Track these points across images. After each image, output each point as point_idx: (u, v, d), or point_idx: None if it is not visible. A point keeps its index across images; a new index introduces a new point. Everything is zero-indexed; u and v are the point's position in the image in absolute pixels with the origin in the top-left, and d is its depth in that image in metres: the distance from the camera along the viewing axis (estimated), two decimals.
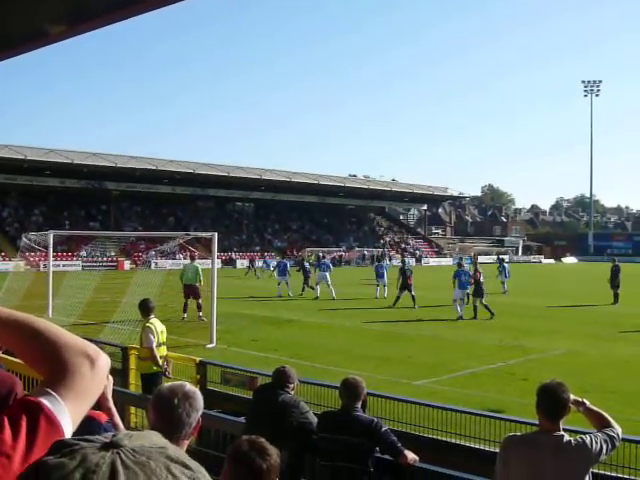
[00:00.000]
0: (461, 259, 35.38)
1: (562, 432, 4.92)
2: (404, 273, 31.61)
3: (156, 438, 1.15)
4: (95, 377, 1.79)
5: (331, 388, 10.32)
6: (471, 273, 28.54)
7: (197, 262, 26.76)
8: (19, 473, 1.52)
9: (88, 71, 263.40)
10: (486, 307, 27.21)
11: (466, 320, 26.27)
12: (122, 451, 1.06)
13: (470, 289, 28.20)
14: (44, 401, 1.63)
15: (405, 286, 31.35)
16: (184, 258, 57.81)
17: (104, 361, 1.84)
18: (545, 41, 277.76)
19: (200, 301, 25.15)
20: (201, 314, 24.65)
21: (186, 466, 1.10)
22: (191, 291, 25.60)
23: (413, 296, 30.91)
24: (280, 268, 38.49)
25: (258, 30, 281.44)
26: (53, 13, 3.38)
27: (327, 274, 36.14)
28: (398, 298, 31.17)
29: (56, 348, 1.78)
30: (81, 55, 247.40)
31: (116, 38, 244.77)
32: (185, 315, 25.13)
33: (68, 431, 1.64)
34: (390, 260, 70.80)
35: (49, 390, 1.66)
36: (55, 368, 1.75)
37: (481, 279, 27.96)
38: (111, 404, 4.28)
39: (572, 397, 4.98)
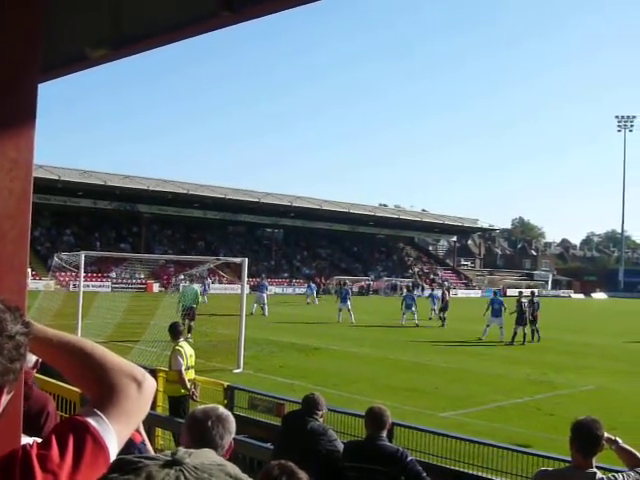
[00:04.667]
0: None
1: (595, 469, 4.88)
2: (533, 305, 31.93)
3: (212, 455, 1.18)
4: (141, 399, 1.82)
5: (357, 417, 10.29)
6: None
7: (195, 285, 27.61)
8: None
9: (121, 91, 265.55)
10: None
11: (495, 350, 26.20)
12: (185, 468, 1.09)
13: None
14: (91, 421, 1.66)
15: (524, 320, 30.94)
16: (213, 282, 58.26)
17: (150, 384, 1.87)
18: (579, 76, 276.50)
19: (192, 323, 25.95)
20: (190, 335, 24.92)
21: None
22: (188, 313, 26.06)
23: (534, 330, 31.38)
24: (342, 295, 39.69)
25: (290, 57, 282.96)
26: (95, 38, 3.45)
27: (264, 294, 39.78)
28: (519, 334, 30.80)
29: (103, 370, 1.82)
30: (115, 75, 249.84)
31: (150, 59, 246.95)
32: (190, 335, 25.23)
33: (113, 451, 1.66)
34: (423, 290, 70.66)
35: (96, 411, 1.70)
36: (102, 389, 1.78)
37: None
38: (140, 427, 4.32)
39: (606, 434, 4.95)
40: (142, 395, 1.83)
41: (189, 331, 25.21)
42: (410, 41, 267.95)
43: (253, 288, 41.79)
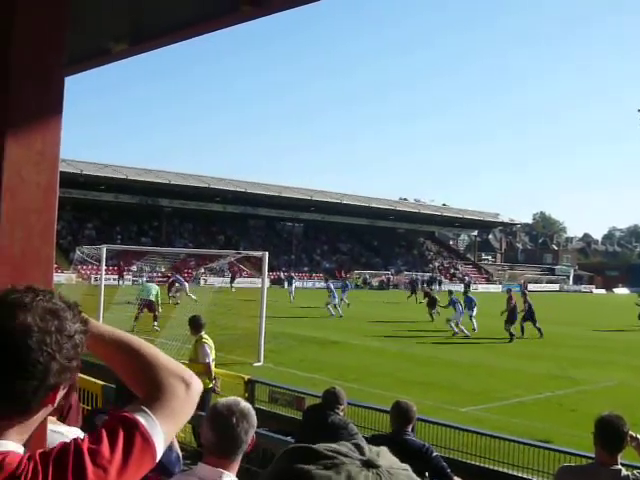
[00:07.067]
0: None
1: (620, 466, 4.83)
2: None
3: (392, 456, 1.14)
4: (189, 400, 1.86)
5: (377, 411, 10.30)
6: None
7: (155, 284, 29.39)
8: None
9: (140, 85, 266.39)
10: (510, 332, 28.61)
11: (512, 346, 26.09)
12: (381, 472, 1.06)
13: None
14: (140, 419, 1.69)
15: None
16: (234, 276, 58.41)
17: (198, 385, 1.91)
18: (602, 73, 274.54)
19: (156, 313, 26.70)
20: (156, 324, 25.55)
21: None
22: (148, 305, 26.81)
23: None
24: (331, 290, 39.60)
25: (311, 50, 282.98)
26: (116, 32, 3.46)
27: (187, 285, 39.38)
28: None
29: (154, 369, 1.86)
30: (133, 68, 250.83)
31: (168, 53, 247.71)
32: (135, 324, 25.29)
33: (160, 450, 1.70)
34: (440, 285, 70.43)
35: (145, 409, 1.73)
36: (152, 388, 1.82)
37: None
38: None
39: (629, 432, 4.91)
40: (189, 396, 1.87)
41: (135, 319, 25.63)
42: (430, 35, 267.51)
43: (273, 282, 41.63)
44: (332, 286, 39.88)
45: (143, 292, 27.53)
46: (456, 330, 29.81)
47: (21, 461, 1.55)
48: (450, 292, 34.06)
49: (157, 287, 28.26)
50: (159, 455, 1.70)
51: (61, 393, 1.69)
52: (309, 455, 1.08)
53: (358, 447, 1.11)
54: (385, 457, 1.11)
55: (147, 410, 1.73)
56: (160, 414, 1.74)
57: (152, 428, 1.69)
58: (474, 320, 31.34)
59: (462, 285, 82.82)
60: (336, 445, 1.11)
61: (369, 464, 1.06)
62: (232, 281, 52.75)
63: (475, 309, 31.82)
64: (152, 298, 26.95)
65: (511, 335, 28.47)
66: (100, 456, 1.58)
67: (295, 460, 1.08)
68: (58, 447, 1.60)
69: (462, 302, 31.33)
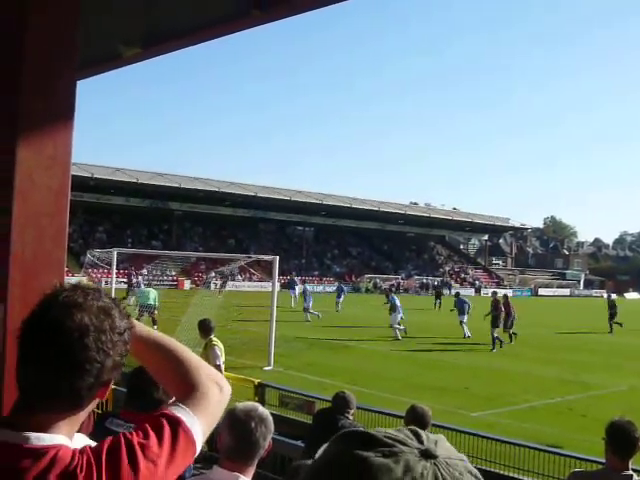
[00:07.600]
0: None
1: (631, 472, 4.81)
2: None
3: (449, 445, 1.10)
4: (222, 401, 1.93)
5: (387, 415, 10.29)
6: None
7: (152, 289, 29.27)
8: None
9: (148, 88, 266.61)
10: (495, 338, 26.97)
11: (522, 350, 25.96)
12: (438, 463, 1.02)
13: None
14: (183, 417, 1.75)
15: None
16: (243, 280, 58.39)
17: (229, 388, 1.98)
18: (610, 76, 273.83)
19: (154, 317, 26.73)
20: (155, 328, 25.34)
21: None
22: (148, 310, 27.01)
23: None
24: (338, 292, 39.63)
25: (317, 54, 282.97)
26: (128, 36, 3.47)
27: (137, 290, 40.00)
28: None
29: (190, 369, 1.92)
30: (142, 72, 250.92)
31: (178, 55, 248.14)
32: None
33: (199, 447, 1.77)
34: (450, 289, 70.38)
35: (185, 408, 1.79)
36: (189, 388, 1.87)
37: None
38: None
39: None
40: (222, 397, 1.93)
41: (155, 324, 25.78)
42: (443, 38, 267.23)
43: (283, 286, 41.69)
44: (308, 288, 39.94)
45: (142, 298, 27.71)
46: (397, 331, 29.00)
47: (74, 455, 1.61)
48: (390, 290, 33.56)
49: (155, 291, 28.32)
50: (198, 452, 1.77)
51: (109, 388, 1.74)
52: (367, 441, 1.05)
53: (416, 434, 1.07)
54: (443, 446, 1.07)
55: (187, 409, 1.78)
56: (198, 412, 1.79)
57: (193, 425, 1.75)
58: (464, 325, 30.34)
59: (473, 289, 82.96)
60: (394, 431, 1.08)
61: (427, 454, 1.03)
62: (223, 285, 51.84)
63: (467, 312, 30.60)
64: (151, 302, 27.08)
65: (500, 341, 27.13)
66: (150, 450, 1.64)
67: (353, 445, 1.04)
68: (109, 441, 1.66)
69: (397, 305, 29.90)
